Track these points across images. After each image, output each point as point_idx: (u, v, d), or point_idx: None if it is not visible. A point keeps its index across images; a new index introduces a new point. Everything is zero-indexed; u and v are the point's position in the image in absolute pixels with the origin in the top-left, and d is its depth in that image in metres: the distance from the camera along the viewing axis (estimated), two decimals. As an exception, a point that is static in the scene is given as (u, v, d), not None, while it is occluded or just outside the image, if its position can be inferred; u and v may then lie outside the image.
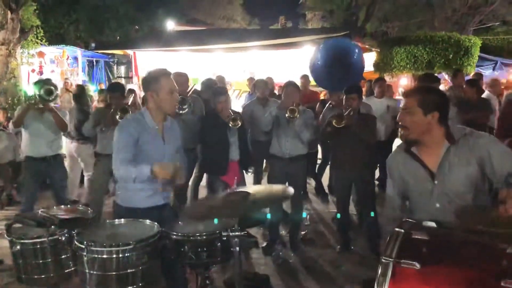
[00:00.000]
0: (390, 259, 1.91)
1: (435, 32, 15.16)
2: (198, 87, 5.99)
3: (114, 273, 2.38)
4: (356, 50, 6.16)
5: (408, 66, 13.42)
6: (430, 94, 2.35)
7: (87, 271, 2.39)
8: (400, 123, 2.37)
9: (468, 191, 2.29)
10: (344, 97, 4.70)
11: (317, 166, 7.05)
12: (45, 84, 4.83)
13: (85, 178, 6.58)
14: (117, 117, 4.59)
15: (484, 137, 2.33)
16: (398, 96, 12.18)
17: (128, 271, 2.38)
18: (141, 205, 2.90)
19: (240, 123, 4.63)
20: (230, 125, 4.58)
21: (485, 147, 2.26)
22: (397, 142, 5.99)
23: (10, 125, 4.90)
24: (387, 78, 12.52)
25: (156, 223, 2.63)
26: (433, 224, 2.15)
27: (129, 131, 2.82)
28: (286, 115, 4.50)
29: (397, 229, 2.05)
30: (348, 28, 14.85)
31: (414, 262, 1.85)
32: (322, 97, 8.09)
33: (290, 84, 4.79)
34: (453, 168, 2.30)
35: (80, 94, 6.77)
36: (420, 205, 2.41)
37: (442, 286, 1.79)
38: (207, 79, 5.92)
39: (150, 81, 2.86)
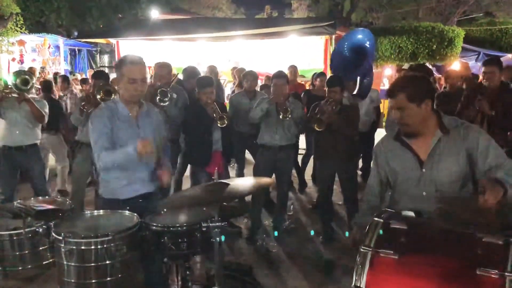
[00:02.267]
0: (369, 249, 1.92)
1: (419, 22, 15.22)
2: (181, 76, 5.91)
3: (92, 264, 2.36)
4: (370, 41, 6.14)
5: (392, 56, 13.47)
6: (417, 84, 2.33)
7: (65, 262, 2.37)
8: (399, 121, 2.34)
9: (456, 180, 2.30)
10: (327, 89, 4.70)
11: (301, 156, 7.06)
12: (21, 73, 4.78)
13: (58, 169, 6.49)
14: (99, 98, 4.51)
15: (475, 129, 2.35)
16: (382, 87, 12.27)
17: (107, 262, 2.37)
18: (123, 196, 2.86)
19: (226, 122, 4.61)
20: (218, 124, 4.56)
21: (475, 139, 2.28)
22: (379, 132, 6.04)
23: None
24: (372, 68, 12.55)
25: (135, 214, 2.61)
26: (412, 214, 2.17)
27: (102, 120, 2.82)
28: (280, 116, 4.50)
29: (376, 218, 2.06)
30: (334, 18, 14.78)
31: (392, 252, 1.87)
32: (307, 87, 8.08)
33: (280, 76, 4.71)
34: (443, 158, 2.31)
35: (49, 85, 6.71)
36: (406, 193, 2.42)
37: (419, 275, 1.81)
38: (189, 67, 5.83)
39: (116, 68, 2.90)
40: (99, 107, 2.98)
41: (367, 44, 6.01)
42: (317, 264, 4.29)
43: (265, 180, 2.81)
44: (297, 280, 3.99)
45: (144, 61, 2.86)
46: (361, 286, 1.88)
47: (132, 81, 2.77)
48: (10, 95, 4.74)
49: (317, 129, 4.56)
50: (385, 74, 14.40)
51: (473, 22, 19.89)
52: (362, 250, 1.93)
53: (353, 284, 1.91)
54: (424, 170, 2.34)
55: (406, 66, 11.58)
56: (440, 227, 2.02)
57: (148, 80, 3.44)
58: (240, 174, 6.07)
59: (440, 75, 10.88)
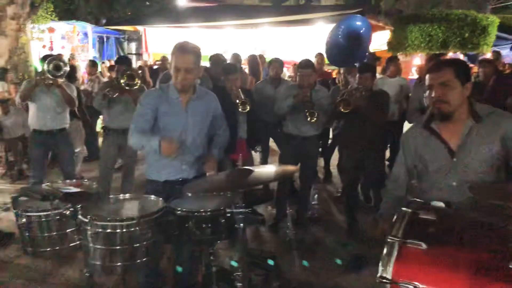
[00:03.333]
0: (396, 239, 1.87)
1: (451, 10, 14.77)
2: (207, 64, 5.91)
3: (118, 247, 2.37)
4: (364, 26, 6.11)
5: (422, 45, 13.12)
6: (461, 64, 2.27)
7: (91, 245, 2.39)
8: (439, 98, 2.22)
9: (488, 170, 2.22)
10: (358, 75, 4.61)
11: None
12: (53, 59, 4.84)
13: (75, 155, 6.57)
14: (122, 82, 4.56)
15: (509, 116, 2.26)
16: (411, 76, 11.98)
17: (132, 246, 2.38)
18: (161, 178, 2.96)
19: (248, 108, 4.56)
20: (239, 109, 4.53)
21: (509, 126, 2.19)
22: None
23: (17, 98, 4.90)
24: (401, 57, 12.28)
25: (160, 198, 2.62)
26: (441, 205, 2.10)
27: (147, 101, 2.90)
28: (308, 119, 4.43)
29: (404, 208, 2.01)
30: (362, 5, 14.51)
31: (420, 242, 1.82)
32: (334, 75, 7.96)
33: (306, 65, 4.61)
34: (475, 147, 2.22)
35: (71, 70, 6.80)
36: (435, 182, 2.34)
37: (448, 267, 1.75)
38: (215, 54, 5.82)
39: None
40: (153, 88, 3.03)
41: (362, 30, 5.98)
42: (341, 254, 4.26)
43: (289, 168, 2.77)
44: (320, 269, 3.97)
45: (195, 50, 2.82)
46: (388, 276, 1.84)
47: (176, 69, 2.79)
48: (45, 82, 4.81)
49: (343, 110, 4.43)
50: (414, 63, 14.08)
51: (508, 9, 19.19)
52: (389, 240, 1.88)
53: (379, 274, 1.87)
54: (455, 159, 2.26)
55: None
56: (471, 218, 1.96)
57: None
58: (264, 162, 6.06)
59: (473, 64, 10.57)
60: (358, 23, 6.14)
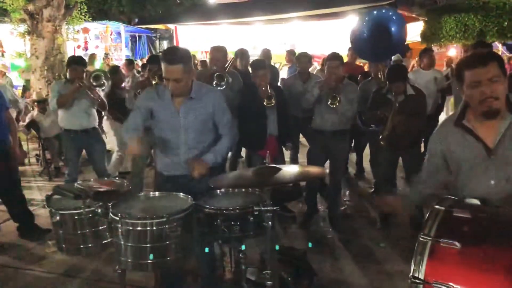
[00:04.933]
0: (429, 238, 1.81)
1: (487, -1, 14.25)
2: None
3: (148, 245, 2.40)
4: (398, 21, 5.81)
5: (457, 35, 12.70)
6: (500, 56, 2.16)
7: (122, 242, 2.44)
8: (492, 94, 2.04)
9: None
10: (388, 84, 4.51)
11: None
12: (96, 71, 5.02)
13: (118, 153, 6.64)
14: (154, 82, 4.66)
15: None
16: (445, 68, 11.62)
17: (162, 243, 2.40)
18: (166, 172, 3.06)
19: (273, 102, 4.51)
20: (265, 103, 4.49)
21: None
22: (443, 115, 5.74)
23: (53, 103, 4.99)
24: (435, 48, 11.93)
25: (189, 196, 2.64)
26: (476, 202, 2.02)
27: (140, 101, 3.08)
28: (328, 102, 4.38)
29: (437, 206, 1.93)
30: (394, -4, 14.18)
31: (454, 242, 1.75)
32: (366, 69, 7.82)
33: (333, 58, 4.55)
34: None
35: (116, 69, 6.94)
36: (471, 182, 2.20)
37: (484, 268, 1.68)
38: (239, 49, 5.83)
39: None
40: (150, 88, 3.07)
41: (392, 24, 5.66)
42: (373, 251, 4.18)
43: (317, 171, 2.71)
44: (351, 267, 3.91)
45: (183, 57, 2.79)
46: (420, 276, 1.78)
47: (165, 78, 2.83)
48: (83, 89, 4.95)
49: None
50: (449, 55, 13.66)
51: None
52: (421, 239, 1.82)
53: (410, 274, 1.81)
54: (492, 157, 2.14)
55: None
56: (508, 217, 1.87)
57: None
58: (295, 158, 6.01)
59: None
60: (387, 15, 5.86)
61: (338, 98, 4.36)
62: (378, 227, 4.71)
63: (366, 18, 5.78)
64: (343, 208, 5.14)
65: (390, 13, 5.81)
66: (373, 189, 5.69)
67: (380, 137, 4.51)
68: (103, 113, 6.22)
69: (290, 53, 8.78)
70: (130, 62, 8.92)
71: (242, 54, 5.68)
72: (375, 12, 5.92)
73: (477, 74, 2.05)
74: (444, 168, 2.32)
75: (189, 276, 3.31)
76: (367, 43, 5.59)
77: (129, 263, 2.48)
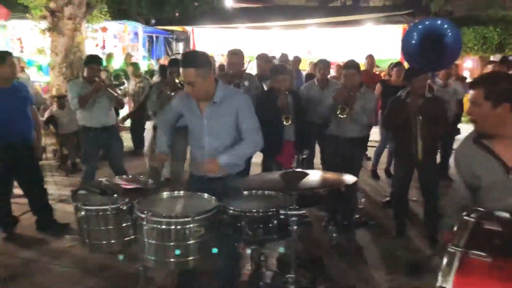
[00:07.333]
0: (458, 249, 1.81)
1: (507, 11, 14.14)
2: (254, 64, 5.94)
3: (172, 243, 2.42)
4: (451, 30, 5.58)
5: (475, 47, 12.64)
6: (499, 84, 2.11)
7: (146, 240, 2.46)
8: (469, 115, 2.19)
9: None
10: (409, 83, 4.49)
11: (374, 148, 6.87)
12: (117, 72, 5.12)
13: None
14: (177, 82, 4.86)
15: None
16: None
17: (185, 243, 2.42)
18: (193, 172, 3.15)
19: (290, 122, 4.50)
20: (283, 121, 4.48)
21: None
22: (462, 128, 5.68)
23: (74, 103, 5.01)
24: (452, 59, 11.85)
25: (213, 197, 2.65)
26: (506, 215, 2.01)
27: (173, 103, 3.24)
28: (337, 112, 4.38)
29: (466, 217, 1.93)
30: (412, 6, 14.14)
31: (484, 254, 1.74)
32: (383, 77, 7.81)
33: (350, 66, 4.55)
34: None
35: (164, 69, 7.00)
36: (492, 200, 2.19)
37: (514, 282, 1.68)
38: (260, 54, 5.85)
39: None
40: (183, 91, 3.14)
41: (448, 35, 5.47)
42: (388, 260, 4.17)
43: (344, 178, 2.68)
44: (366, 274, 3.90)
45: (198, 61, 2.82)
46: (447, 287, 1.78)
47: (186, 82, 2.90)
48: (103, 89, 5.03)
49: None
50: (466, 66, 13.58)
51: None
52: (450, 249, 1.82)
53: (438, 284, 1.81)
54: (511, 176, 2.14)
55: (492, 58, 10.85)
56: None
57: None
58: (310, 164, 6.00)
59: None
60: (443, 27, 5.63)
61: (347, 110, 4.36)
62: (393, 236, 4.69)
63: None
64: (359, 215, 5.12)
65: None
66: (388, 198, 5.67)
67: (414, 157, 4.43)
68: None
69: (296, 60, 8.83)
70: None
71: (262, 58, 5.71)
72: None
73: (470, 95, 2.20)
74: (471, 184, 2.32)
75: (204, 277, 3.32)
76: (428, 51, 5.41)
77: (151, 261, 2.50)
